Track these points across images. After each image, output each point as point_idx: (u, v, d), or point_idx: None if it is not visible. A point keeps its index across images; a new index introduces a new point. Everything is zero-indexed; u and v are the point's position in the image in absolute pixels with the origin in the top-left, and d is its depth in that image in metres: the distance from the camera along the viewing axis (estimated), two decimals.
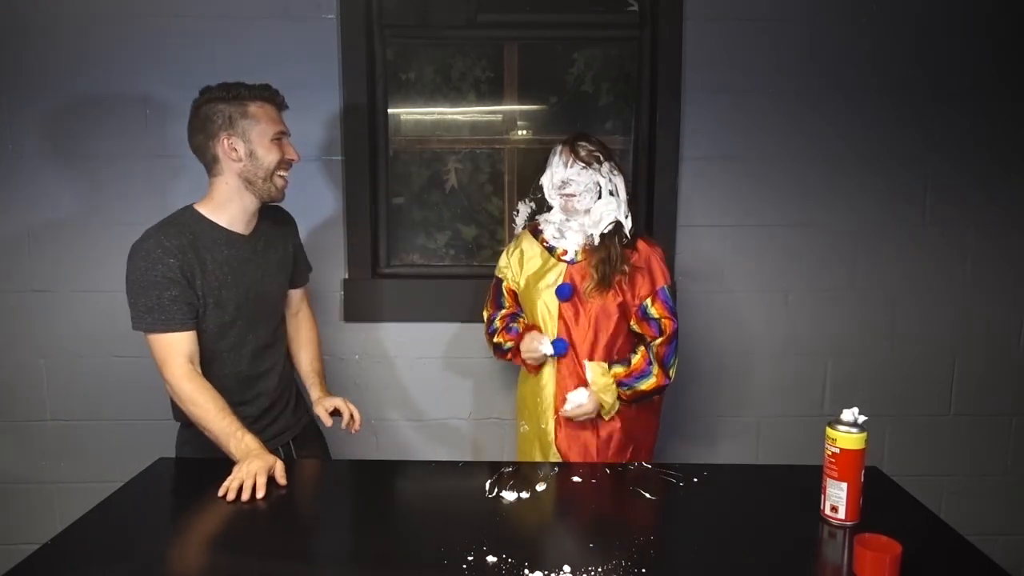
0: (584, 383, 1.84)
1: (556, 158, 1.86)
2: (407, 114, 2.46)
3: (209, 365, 1.63)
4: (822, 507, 1.30)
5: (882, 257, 2.37)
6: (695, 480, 1.49)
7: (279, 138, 1.66)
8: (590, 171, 1.82)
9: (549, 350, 1.85)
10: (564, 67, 2.44)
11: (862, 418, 1.28)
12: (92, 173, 2.27)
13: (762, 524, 1.30)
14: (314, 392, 1.87)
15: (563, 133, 2.42)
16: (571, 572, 1.12)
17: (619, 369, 1.83)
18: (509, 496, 1.40)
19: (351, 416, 1.79)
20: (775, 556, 1.18)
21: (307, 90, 2.24)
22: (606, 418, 1.85)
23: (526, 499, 1.39)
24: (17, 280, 2.31)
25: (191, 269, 1.57)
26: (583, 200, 1.83)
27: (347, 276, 2.37)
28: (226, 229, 1.65)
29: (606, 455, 1.86)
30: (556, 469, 1.57)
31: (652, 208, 2.35)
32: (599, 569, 1.13)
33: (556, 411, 1.88)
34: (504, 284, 1.99)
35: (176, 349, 1.55)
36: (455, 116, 2.48)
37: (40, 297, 2.32)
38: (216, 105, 1.62)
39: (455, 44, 2.43)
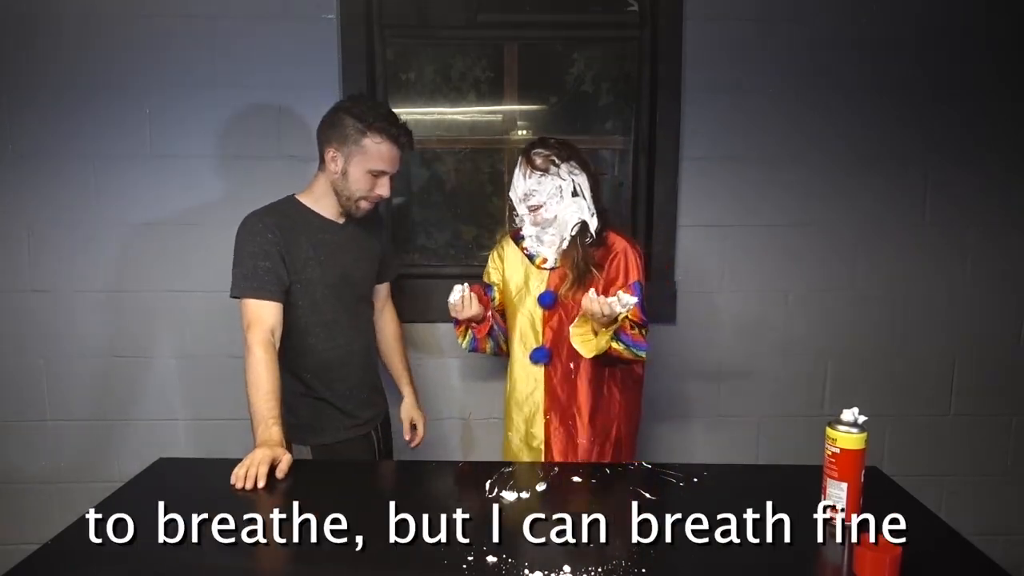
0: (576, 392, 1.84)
1: (516, 170, 1.83)
2: (407, 114, 2.46)
3: (304, 338, 1.80)
4: (822, 507, 1.30)
5: (882, 257, 2.36)
6: (695, 480, 1.49)
7: (377, 175, 1.77)
8: (549, 177, 1.78)
9: (453, 296, 1.78)
10: (564, 67, 2.44)
11: (862, 418, 1.28)
12: (92, 173, 2.27)
13: (762, 524, 1.30)
14: (407, 394, 2.13)
15: (564, 133, 2.43)
16: (571, 572, 1.12)
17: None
18: (509, 496, 1.40)
19: (420, 438, 2.14)
20: (775, 556, 1.18)
21: (307, 90, 2.24)
22: (588, 353, 1.71)
23: (526, 499, 1.39)
24: (17, 280, 2.31)
25: (286, 246, 1.73)
26: (549, 208, 1.79)
27: None
28: (321, 215, 1.82)
29: (592, 452, 1.86)
30: (556, 469, 1.57)
31: (652, 208, 2.35)
32: (599, 569, 1.13)
33: (545, 413, 1.87)
34: (495, 292, 1.96)
35: (263, 316, 1.67)
36: (455, 116, 2.48)
37: (40, 297, 2.32)
38: (346, 118, 1.74)
39: (455, 44, 2.43)
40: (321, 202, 1.82)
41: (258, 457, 1.48)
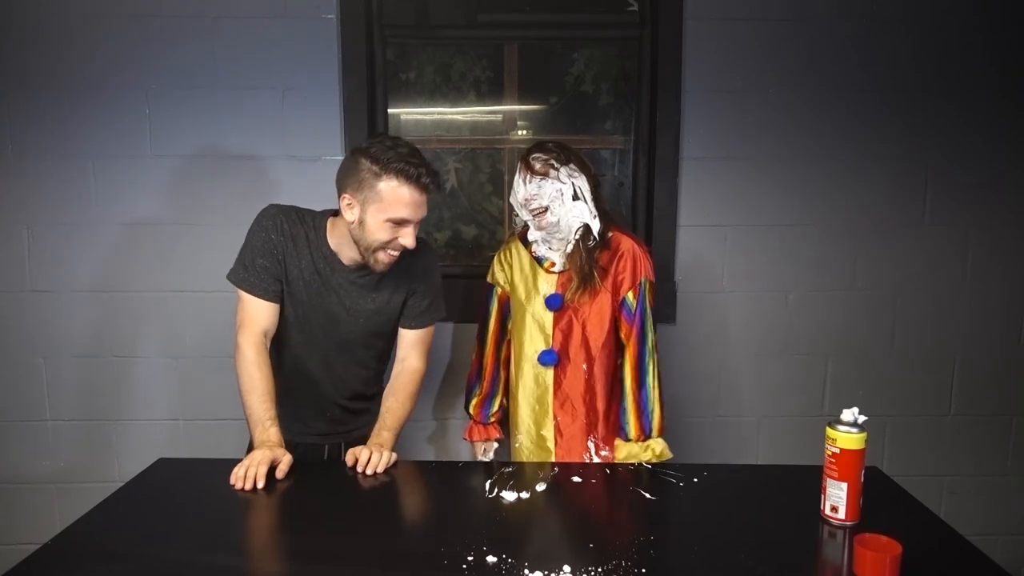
0: (581, 396, 1.86)
1: (516, 176, 1.83)
2: (407, 114, 2.47)
3: (282, 346, 1.72)
4: (822, 507, 1.30)
5: (882, 257, 2.36)
6: (695, 480, 1.49)
7: (398, 223, 1.55)
8: (549, 180, 1.78)
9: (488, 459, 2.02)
10: (564, 67, 2.45)
11: (862, 418, 1.28)
12: (92, 173, 2.27)
13: (762, 524, 1.30)
14: (371, 438, 1.63)
15: (563, 133, 2.44)
16: (571, 572, 1.12)
17: (631, 435, 1.82)
18: (509, 496, 1.40)
19: (367, 460, 1.51)
20: (775, 556, 1.18)
21: (307, 90, 2.24)
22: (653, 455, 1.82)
23: (526, 499, 1.39)
24: (17, 280, 2.31)
25: (286, 252, 1.64)
26: (554, 212, 1.79)
27: None
28: (336, 255, 1.66)
29: (603, 452, 1.87)
30: (556, 469, 1.57)
31: (652, 208, 2.35)
32: (599, 569, 1.13)
33: (555, 417, 1.88)
34: (496, 291, 1.97)
35: (256, 316, 1.62)
36: (455, 116, 2.48)
37: (40, 297, 2.32)
38: (362, 161, 1.54)
39: (455, 44, 2.43)
40: (340, 244, 1.65)
41: (258, 457, 1.47)
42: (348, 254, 1.66)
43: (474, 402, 2.02)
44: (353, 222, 1.57)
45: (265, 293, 1.64)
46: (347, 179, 1.57)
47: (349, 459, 1.55)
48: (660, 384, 1.83)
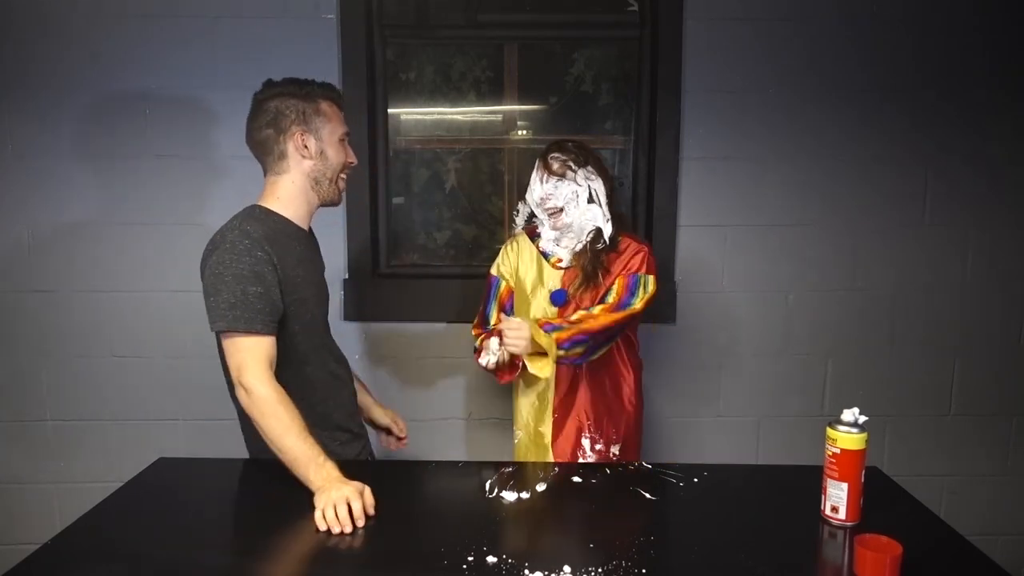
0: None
1: (534, 174, 1.83)
2: (407, 114, 2.47)
3: (302, 367, 1.56)
4: (822, 507, 1.30)
5: (882, 257, 2.37)
6: (695, 480, 1.48)
7: (344, 139, 1.62)
8: (565, 182, 1.79)
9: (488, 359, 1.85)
10: (564, 67, 2.45)
11: (862, 418, 1.28)
12: (92, 173, 2.27)
13: (762, 524, 1.30)
14: (371, 401, 1.90)
15: (563, 133, 2.44)
16: (571, 572, 1.12)
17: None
18: (509, 496, 1.40)
19: (399, 436, 1.92)
20: (775, 556, 1.18)
21: None
22: (540, 372, 1.73)
23: (526, 499, 1.39)
24: (17, 280, 2.31)
25: (279, 262, 1.48)
26: (568, 214, 1.80)
27: (347, 276, 2.37)
28: (294, 224, 1.59)
29: (600, 446, 1.87)
30: (556, 469, 1.57)
31: (652, 208, 2.35)
32: (599, 569, 1.13)
33: (554, 411, 1.88)
34: (501, 284, 1.97)
35: (258, 353, 1.40)
36: (455, 116, 2.48)
37: (40, 297, 2.32)
38: (288, 100, 1.56)
39: (455, 44, 2.43)
40: (289, 207, 1.58)
41: (346, 492, 1.27)
42: (303, 211, 1.61)
43: (474, 332, 1.95)
44: (312, 157, 1.57)
45: (265, 327, 1.43)
46: (285, 122, 1.55)
47: (394, 434, 1.90)
48: (601, 324, 1.73)
